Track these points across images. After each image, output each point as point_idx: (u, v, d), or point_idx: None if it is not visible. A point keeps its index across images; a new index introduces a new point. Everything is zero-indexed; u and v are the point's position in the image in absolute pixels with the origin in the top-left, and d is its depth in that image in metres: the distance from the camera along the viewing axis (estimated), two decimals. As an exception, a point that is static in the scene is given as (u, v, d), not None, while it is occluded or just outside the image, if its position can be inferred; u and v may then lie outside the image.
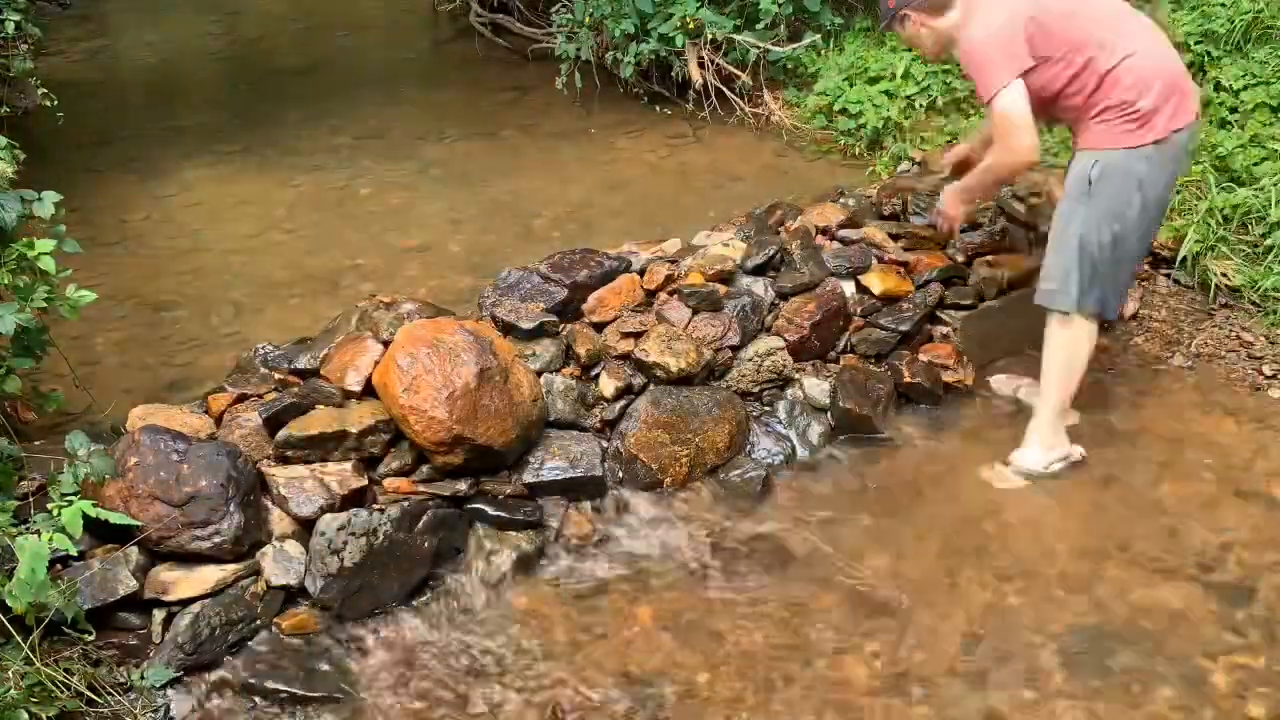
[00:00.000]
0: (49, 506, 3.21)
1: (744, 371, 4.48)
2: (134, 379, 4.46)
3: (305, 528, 3.67)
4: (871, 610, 3.72)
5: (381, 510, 3.72)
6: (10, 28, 6.14)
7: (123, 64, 8.91)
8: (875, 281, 4.78)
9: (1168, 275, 5.24)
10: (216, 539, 3.49)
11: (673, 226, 5.28)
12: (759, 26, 6.65)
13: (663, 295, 4.55)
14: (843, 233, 5.00)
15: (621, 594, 3.83)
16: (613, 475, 4.17)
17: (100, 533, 3.42)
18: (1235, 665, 3.44)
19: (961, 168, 4.73)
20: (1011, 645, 3.56)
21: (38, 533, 3.09)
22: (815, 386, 4.54)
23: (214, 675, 3.42)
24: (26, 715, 2.99)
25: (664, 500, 4.15)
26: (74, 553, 3.23)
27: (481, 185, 6.17)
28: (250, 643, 3.50)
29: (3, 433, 3.64)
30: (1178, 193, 5.19)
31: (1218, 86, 5.66)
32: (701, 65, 6.81)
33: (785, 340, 4.55)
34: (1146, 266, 5.26)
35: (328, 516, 3.65)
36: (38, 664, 3.08)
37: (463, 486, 3.87)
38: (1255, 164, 5.16)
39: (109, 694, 3.23)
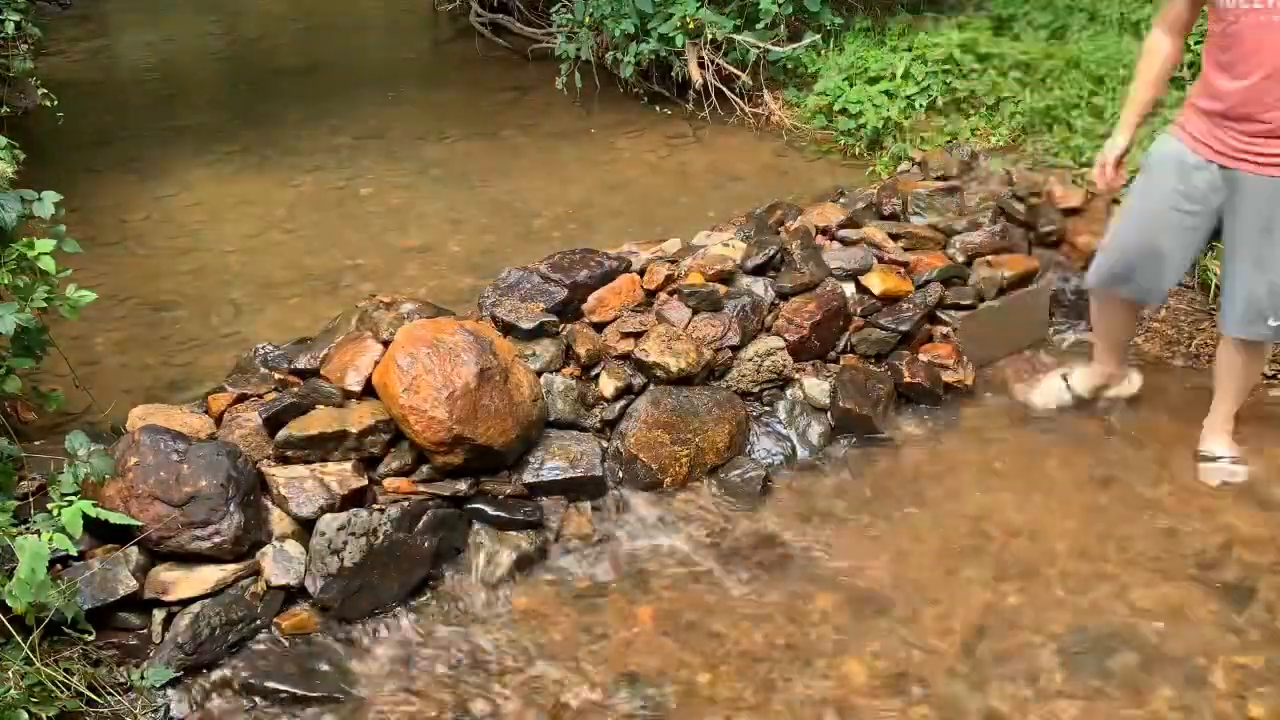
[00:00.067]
0: (49, 506, 3.21)
1: (744, 371, 4.48)
2: (134, 379, 4.46)
3: (305, 528, 3.67)
4: (871, 610, 3.72)
5: (381, 510, 3.72)
6: (10, 28, 6.14)
7: (123, 64, 8.91)
8: (875, 281, 4.78)
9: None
10: (216, 539, 3.49)
11: (673, 226, 5.28)
12: (759, 26, 6.65)
13: (663, 295, 4.55)
14: (843, 233, 5.01)
15: (621, 594, 3.83)
16: (613, 475, 4.17)
17: (100, 533, 3.42)
18: (1235, 665, 3.44)
19: None
20: (1011, 645, 3.56)
21: (38, 533, 3.09)
22: (815, 386, 4.54)
23: (214, 675, 3.43)
24: (26, 715, 3.00)
25: (664, 500, 4.15)
26: (74, 553, 3.23)
27: (481, 185, 6.18)
28: (250, 643, 3.51)
29: (3, 433, 3.64)
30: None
31: (1218, 86, 5.65)
32: (701, 65, 6.81)
33: (785, 340, 4.55)
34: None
35: (328, 516, 3.65)
36: (38, 664, 3.08)
37: (463, 486, 3.88)
38: (1255, 164, 5.15)
39: (109, 694, 3.23)
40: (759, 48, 6.68)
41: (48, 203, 3.71)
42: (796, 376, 4.56)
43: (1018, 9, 7.02)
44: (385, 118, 7.26)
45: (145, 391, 4.30)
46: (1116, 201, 5.33)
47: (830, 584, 3.84)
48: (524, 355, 4.16)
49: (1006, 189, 5.36)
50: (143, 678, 3.32)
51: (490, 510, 3.89)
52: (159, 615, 3.47)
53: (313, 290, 5.12)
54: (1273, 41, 3.55)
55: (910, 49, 6.55)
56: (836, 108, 6.43)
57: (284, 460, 3.82)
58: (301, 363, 4.10)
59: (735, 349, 4.47)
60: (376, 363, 3.93)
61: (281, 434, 3.81)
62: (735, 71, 6.79)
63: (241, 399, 4.02)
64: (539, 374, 4.15)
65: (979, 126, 6.06)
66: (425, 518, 3.77)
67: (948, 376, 4.73)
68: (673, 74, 6.97)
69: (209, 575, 3.51)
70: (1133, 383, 4.62)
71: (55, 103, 6.07)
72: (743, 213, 5.32)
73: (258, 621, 3.53)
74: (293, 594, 3.62)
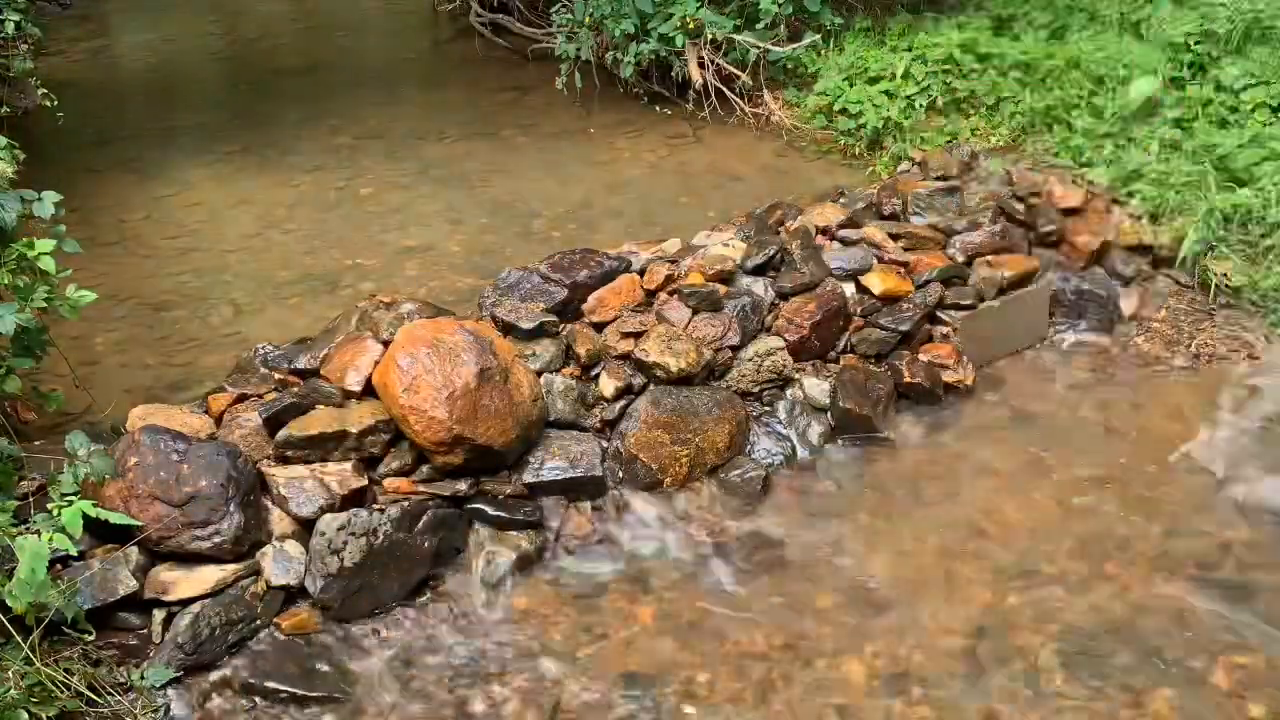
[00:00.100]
0: (49, 506, 3.21)
1: (744, 371, 4.48)
2: (134, 379, 4.46)
3: (305, 528, 3.68)
4: (871, 610, 3.72)
5: (381, 510, 3.72)
6: (10, 28, 6.14)
7: (123, 64, 8.91)
8: (875, 281, 4.78)
9: (1168, 275, 5.23)
10: (216, 539, 3.49)
11: (673, 226, 5.29)
12: (759, 26, 6.65)
13: (663, 295, 4.55)
14: (843, 233, 5.01)
15: (621, 594, 3.83)
16: (613, 475, 4.17)
17: (100, 533, 3.43)
18: (1235, 665, 3.44)
19: None
20: (1011, 645, 3.56)
21: (38, 533, 3.10)
22: (815, 386, 4.54)
23: (214, 675, 3.43)
24: (26, 715, 3.00)
25: (664, 500, 4.15)
26: (74, 553, 3.23)
27: (481, 185, 6.17)
28: (250, 643, 3.51)
29: (3, 433, 3.64)
30: (1177, 193, 5.19)
31: (1218, 86, 5.66)
32: (701, 65, 6.81)
33: (785, 340, 4.55)
34: (1147, 266, 5.26)
35: (328, 516, 3.65)
36: (38, 664, 3.08)
37: (463, 486, 3.88)
38: (1255, 164, 5.15)
39: (109, 694, 3.23)
40: (759, 48, 6.68)
41: (48, 203, 3.71)
42: (796, 376, 4.56)
43: (1018, 9, 7.01)
44: (385, 118, 7.25)
45: (145, 391, 4.30)
46: (1117, 201, 5.35)
47: (830, 584, 3.84)
48: (524, 355, 4.16)
49: (1006, 189, 5.37)
50: (143, 678, 3.32)
51: (490, 510, 3.89)
52: (159, 615, 3.47)
53: (313, 290, 5.12)
54: None
55: (910, 49, 6.55)
56: (836, 108, 6.43)
57: (284, 460, 3.82)
58: (301, 363, 4.10)
59: (735, 349, 4.47)
60: (376, 363, 3.93)
61: (281, 434, 3.81)
62: (735, 71, 6.78)
63: (241, 399, 4.02)
64: (539, 374, 4.15)
65: (979, 126, 6.06)
66: (425, 518, 3.77)
67: (948, 376, 4.72)
68: (673, 74, 6.97)
69: (209, 575, 3.51)
70: None
71: (55, 103, 6.07)
72: (743, 213, 5.32)
73: (258, 621, 3.53)
74: (293, 594, 3.62)
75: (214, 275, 5.29)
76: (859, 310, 4.75)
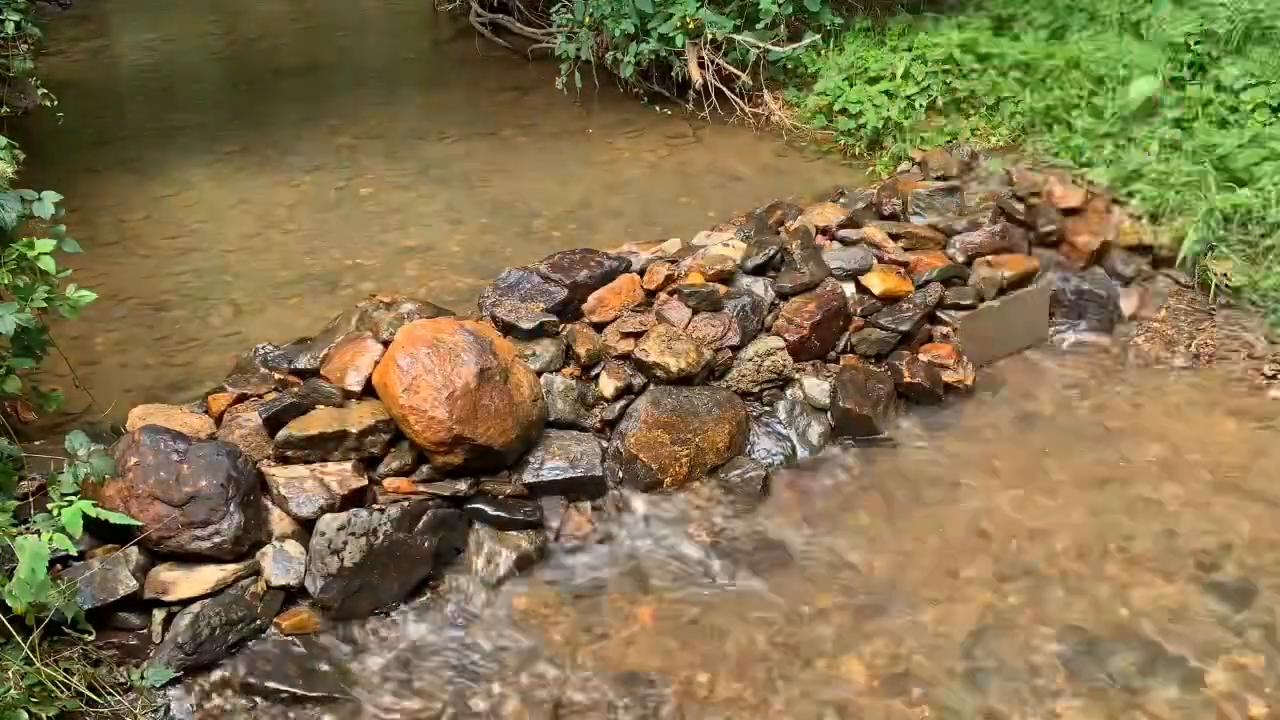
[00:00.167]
0: (49, 506, 3.21)
1: (744, 371, 4.48)
2: (134, 379, 4.46)
3: (305, 528, 3.67)
4: (871, 610, 3.72)
5: (381, 510, 3.72)
6: (10, 28, 6.14)
7: (123, 64, 8.91)
8: (875, 281, 4.78)
9: (1168, 275, 5.23)
10: (216, 539, 3.49)
11: (673, 226, 5.29)
12: (759, 26, 6.65)
13: (663, 295, 4.55)
14: (843, 233, 5.01)
15: (621, 594, 3.83)
16: (613, 475, 4.17)
17: (100, 533, 3.43)
18: (1235, 665, 3.44)
19: None
20: (1011, 645, 3.56)
21: (38, 533, 3.09)
22: (815, 386, 4.54)
23: (214, 675, 3.43)
24: (26, 715, 3.00)
25: (664, 500, 4.15)
26: (74, 553, 3.23)
27: (481, 185, 6.18)
28: (250, 643, 3.51)
29: (3, 433, 3.64)
30: (1177, 193, 5.19)
31: (1218, 86, 5.66)
32: (701, 65, 6.81)
33: (785, 340, 4.55)
34: (1146, 266, 5.26)
35: (328, 516, 3.65)
36: (38, 664, 3.08)
37: (463, 486, 3.88)
38: (1255, 164, 5.15)
39: (109, 694, 3.23)
40: (759, 48, 6.68)
41: (48, 203, 3.71)
42: (796, 376, 4.56)
43: (1018, 9, 7.02)
44: (385, 118, 7.26)
45: (145, 391, 4.30)
46: (1117, 201, 5.35)
47: (830, 584, 3.84)
48: (524, 355, 4.16)
49: (1006, 189, 5.37)
50: (143, 678, 3.32)
51: (490, 510, 3.89)
52: (159, 615, 3.47)
53: (313, 290, 5.12)
54: None
55: (910, 49, 6.55)
56: (836, 108, 6.43)
57: (284, 460, 3.82)
58: (301, 363, 4.10)
59: (735, 349, 4.47)
60: (376, 363, 3.93)
61: (281, 434, 3.81)
62: (735, 71, 6.79)
63: (241, 399, 4.02)
64: (539, 374, 4.15)
65: (979, 126, 6.06)
66: (425, 518, 3.77)
67: (948, 376, 4.72)
68: (673, 74, 6.97)
69: (209, 575, 3.51)
70: None
71: (55, 103, 6.07)
72: (743, 213, 5.32)
73: (258, 621, 3.53)
74: (293, 594, 3.62)
75: (214, 275, 5.29)
76: (859, 310, 4.75)
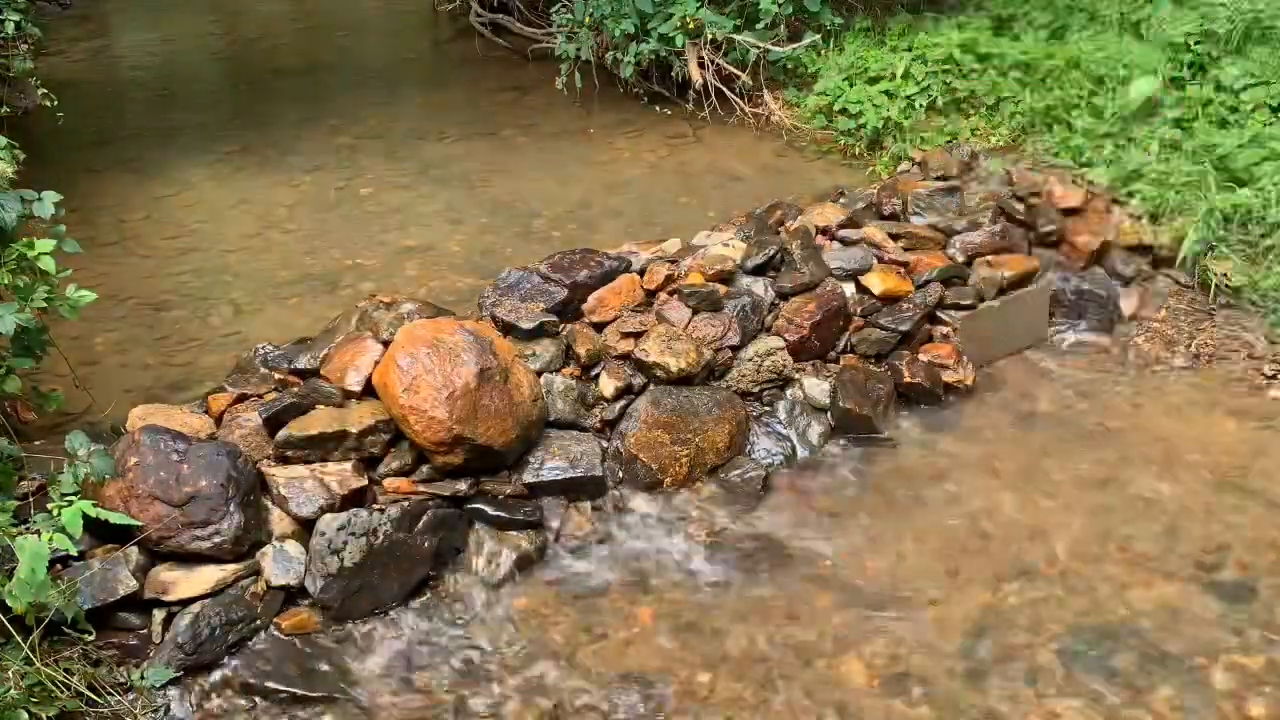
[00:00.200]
0: (49, 506, 3.21)
1: (744, 371, 4.48)
2: (134, 379, 4.46)
3: (305, 528, 3.67)
4: (871, 610, 3.72)
5: (381, 510, 3.72)
6: (10, 28, 6.14)
7: (123, 64, 8.91)
8: (875, 281, 4.78)
9: (1168, 275, 5.23)
10: (216, 539, 3.49)
11: (673, 226, 5.29)
12: (759, 26, 6.65)
13: (663, 295, 4.55)
14: (843, 233, 5.01)
15: (621, 594, 3.83)
16: (613, 475, 4.17)
17: (100, 533, 3.42)
18: (1235, 665, 3.44)
19: None
20: (1011, 645, 3.56)
21: (38, 533, 3.09)
22: (815, 386, 4.54)
23: (214, 675, 3.43)
24: (26, 715, 3.00)
25: (664, 500, 4.15)
26: (74, 553, 3.23)
27: (481, 185, 6.18)
28: (250, 643, 3.51)
29: (3, 433, 3.64)
30: (1177, 193, 5.19)
31: (1218, 86, 5.66)
32: (701, 65, 6.81)
33: (785, 340, 4.55)
34: (1146, 266, 5.26)
35: (328, 516, 3.65)
36: (38, 664, 3.08)
37: (463, 486, 3.88)
38: (1255, 164, 5.15)
39: (109, 694, 3.23)
40: (759, 48, 6.68)
41: (48, 203, 3.71)
42: (796, 376, 4.56)
43: (1018, 9, 7.02)
44: (385, 118, 7.26)
45: (145, 391, 4.30)
46: (1117, 201, 5.35)
47: (830, 584, 3.84)
48: (524, 355, 4.16)
49: (1006, 189, 5.37)
50: (143, 678, 3.32)
51: (490, 510, 3.89)
52: (159, 615, 3.47)
53: (313, 290, 5.12)
54: None
55: (910, 49, 6.55)
56: (836, 108, 6.43)
57: (284, 460, 3.82)
58: (301, 363, 4.10)
59: (735, 349, 4.47)
60: (376, 363, 3.93)
61: (281, 434, 3.81)
62: (735, 71, 6.79)
63: (241, 399, 4.02)
64: (539, 374, 4.15)
65: (979, 126, 6.06)
66: (425, 518, 3.77)
67: (948, 376, 4.72)
68: (673, 74, 6.97)
69: (209, 575, 3.51)
70: None
71: (55, 103, 6.07)
72: (743, 213, 5.32)
73: (258, 621, 3.53)
74: (293, 594, 3.62)
75: (214, 275, 5.29)
76: (859, 310, 4.75)
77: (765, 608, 3.75)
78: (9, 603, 3.01)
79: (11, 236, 3.66)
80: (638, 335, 4.36)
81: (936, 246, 5.04)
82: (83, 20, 9.87)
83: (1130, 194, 5.32)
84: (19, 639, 3.07)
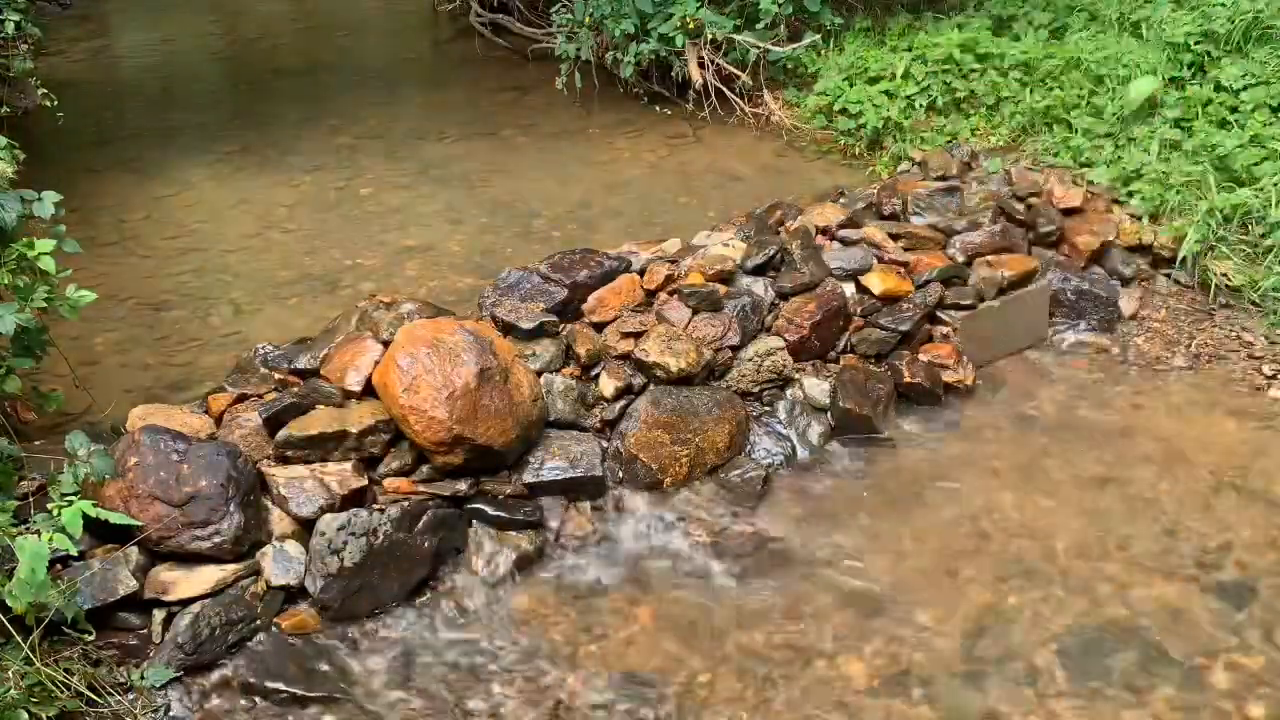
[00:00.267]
0: (49, 506, 3.21)
1: (744, 371, 4.48)
2: (134, 379, 4.46)
3: (305, 528, 3.68)
4: (871, 610, 3.72)
5: (381, 510, 3.72)
6: (10, 28, 6.15)
7: (123, 64, 8.91)
8: (875, 281, 4.78)
9: (1168, 275, 5.23)
10: (216, 539, 3.49)
11: (673, 226, 5.29)
12: (759, 26, 6.65)
13: (663, 295, 4.55)
14: (843, 233, 5.01)
15: (621, 594, 3.83)
16: (613, 475, 4.17)
17: (100, 533, 3.42)
18: (1235, 665, 3.44)
19: None
20: (1011, 645, 3.56)
21: (38, 533, 3.09)
22: (815, 386, 4.54)
23: (214, 675, 3.43)
24: (26, 715, 3.00)
25: (664, 500, 4.15)
26: (74, 553, 3.23)
27: (481, 185, 6.18)
28: (250, 643, 3.51)
29: (3, 433, 3.64)
30: (1177, 193, 5.19)
31: (1218, 86, 5.66)
32: (701, 65, 6.81)
33: (785, 340, 4.55)
34: (1146, 266, 5.27)
35: (328, 516, 3.65)
36: (38, 664, 3.08)
37: (463, 486, 3.88)
38: (1255, 164, 5.15)
39: (109, 694, 3.23)
40: (759, 48, 6.68)
41: (48, 203, 3.71)
42: (796, 376, 4.56)
43: (1018, 9, 7.02)
44: (385, 118, 7.26)
45: (145, 391, 4.30)
46: (1117, 201, 5.35)
47: (830, 584, 3.84)
48: (524, 355, 4.16)
49: (1006, 189, 5.37)
50: (143, 678, 3.32)
51: (490, 510, 3.89)
52: (159, 615, 3.47)
53: (313, 290, 5.12)
54: None
55: (910, 49, 6.56)
56: (836, 108, 6.43)
57: (284, 460, 3.82)
58: (301, 363, 4.10)
59: (735, 349, 4.47)
60: (376, 363, 3.93)
61: (281, 434, 3.81)
62: (735, 71, 6.79)
63: (241, 399, 4.02)
64: (539, 374, 4.15)
65: (979, 126, 6.06)
66: (425, 518, 3.77)
67: (948, 376, 4.72)
68: (673, 74, 6.98)
69: (209, 575, 3.51)
70: None
71: (55, 103, 6.07)
72: (743, 213, 5.32)
73: (258, 621, 3.53)
74: (293, 594, 3.62)
75: (214, 275, 5.29)
76: (859, 310, 4.75)
77: (765, 608, 3.75)
78: (9, 603, 3.01)
79: (11, 236, 3.66)
80: (638, 335, 4.36)
81: (936, 246, 5.04)
82: (83, 20, 9.87)
83: (1130, 194, 5.32)
84: (19, 639, 3.07)
